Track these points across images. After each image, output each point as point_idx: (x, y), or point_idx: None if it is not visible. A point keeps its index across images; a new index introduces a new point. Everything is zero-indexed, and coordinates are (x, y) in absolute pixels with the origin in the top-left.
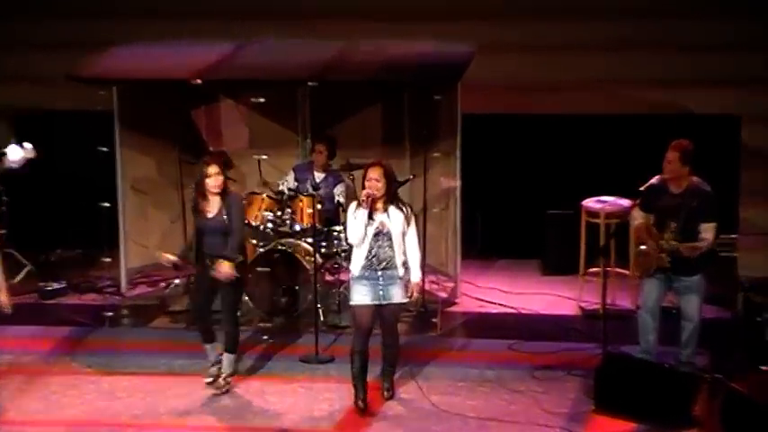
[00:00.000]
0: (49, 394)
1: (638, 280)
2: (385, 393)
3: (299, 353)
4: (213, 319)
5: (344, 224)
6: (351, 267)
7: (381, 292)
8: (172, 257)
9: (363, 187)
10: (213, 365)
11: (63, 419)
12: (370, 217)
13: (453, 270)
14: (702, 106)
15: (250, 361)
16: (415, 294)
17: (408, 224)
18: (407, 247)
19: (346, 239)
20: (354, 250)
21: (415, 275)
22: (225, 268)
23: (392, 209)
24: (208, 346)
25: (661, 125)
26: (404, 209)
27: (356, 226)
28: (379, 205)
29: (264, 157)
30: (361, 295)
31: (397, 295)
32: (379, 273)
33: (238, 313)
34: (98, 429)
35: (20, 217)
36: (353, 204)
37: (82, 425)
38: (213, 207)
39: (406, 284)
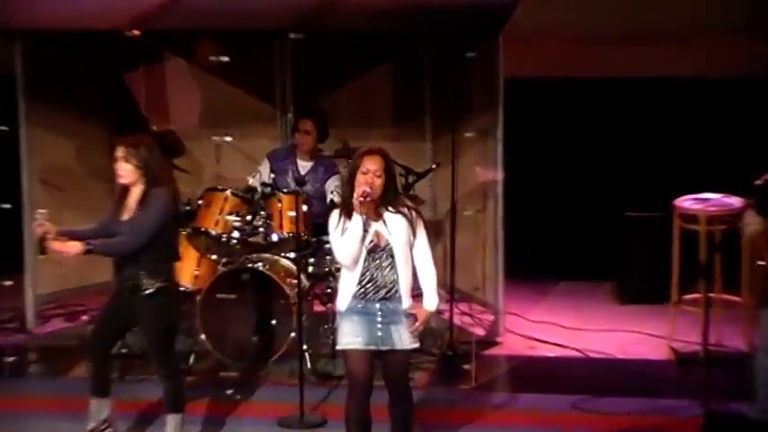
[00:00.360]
0: None
1: (755, 310)
2: None
3: (278, 414)
4: (111, 363)
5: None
6: (337, 300)
7: (380, 334)
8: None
9: (352, 183)
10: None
11: None
12: (364, 227)
13: (494, 297)
14: None
15: (208, 425)
16: (419, 327)
17: (415, 232)
18: (417, 265)
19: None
20: (343, 275)
21: (429, 302)
22: (68, 247)
23: (388, 214)
24: (93, 401)
25: None
26: (405, 211)
27: (349, 240)
28: (372, 210)
29: (228, 138)
30: (351, 337)
31: (403, 338)
32: (378, 305)
33: (171, 356)
34: None
35: None
36: (335, 212)
37: None
38: (129, 207)
39: (415, 318)
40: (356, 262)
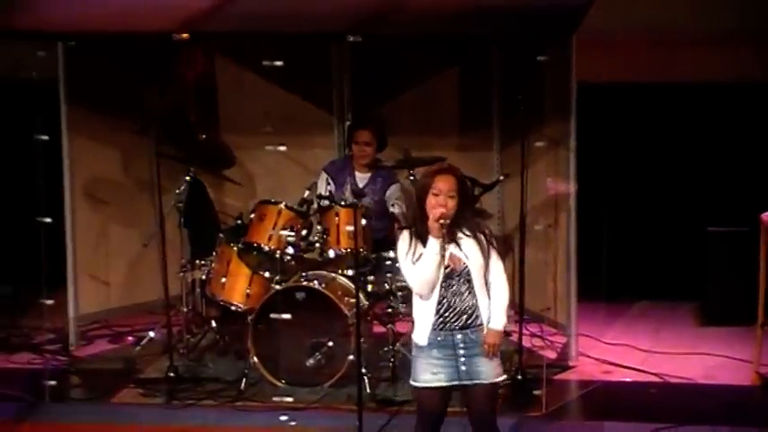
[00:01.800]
0: None
1: None
2: None
3: None
4: None
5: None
6: (414, 334)
7: (465, 368)
8: None
9: (422, 205)
10: None
11: None
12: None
13: (566, 318)
14: None
15: None
16: (493, 346)
17: (489, 254)
18: (493, 288)
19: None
20: (417, 305)
21: (498, 321)
22: None
23: (463, 237)
24: None
25: None
26: (479, 232)
27: (426, 266)
28: (445, 231)
29: (282, 148)
30: (431, 374)
31: (489, 370)
32: (458, 336)
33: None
34: None
35: None
36: (405, 234)
37: None
38: None
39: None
40: (432, 289)
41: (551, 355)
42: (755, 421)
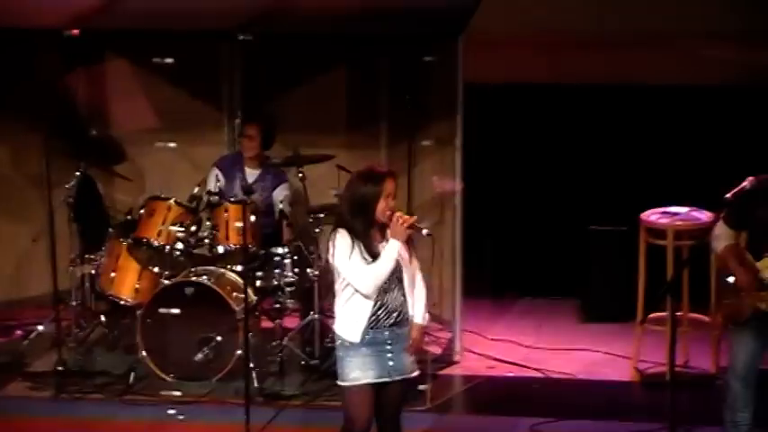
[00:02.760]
0: None
1: (723, 330)
2: None
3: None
4: None
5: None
6: (344, 330)
7: (392, 363)
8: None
9: (373, 207)
10: None
11: None
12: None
13: (451, 315)
14: None
15: None
16: (418, 341)
17: (411, 252)
18: (416, 286)
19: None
20: (351, 304)
21: (422, 317)
22: None
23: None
24: None
25: (761, 99)
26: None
27: (387, 266)
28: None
29: (172, 144)
30: (359, 371)
31: (410, 363)
32: (387, 333)
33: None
34: None
35: None
36: (344, 234)
37: None
38: None
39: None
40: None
41: (436, 350)
42: (634, 416)
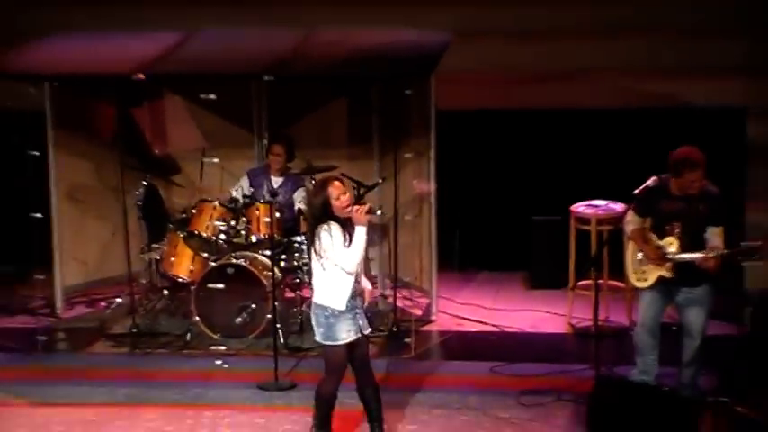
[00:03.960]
0: None
1: (634, 293)
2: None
3: (257, 379)
4: None
5: (309, 244)
6: (331, 301)
7: (361, 322)
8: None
9: (328, 207)
10: None
11: None
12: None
13: (429, 285)
14: (704, 98)
15: (201, 389)
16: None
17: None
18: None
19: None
20: (341, 279)
21: (368, 285)
22: None
23: (359, 227)
24: None
25: (658, 119)
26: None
27: (361, 248)
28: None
29: (215, 160)
30: (346, 333)
31: (366, 324)
32: (358, 301)
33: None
34: None
35: None
36: (335, 226)
37: None
38: None
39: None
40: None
41: (418, 312)
42: (567, 359)
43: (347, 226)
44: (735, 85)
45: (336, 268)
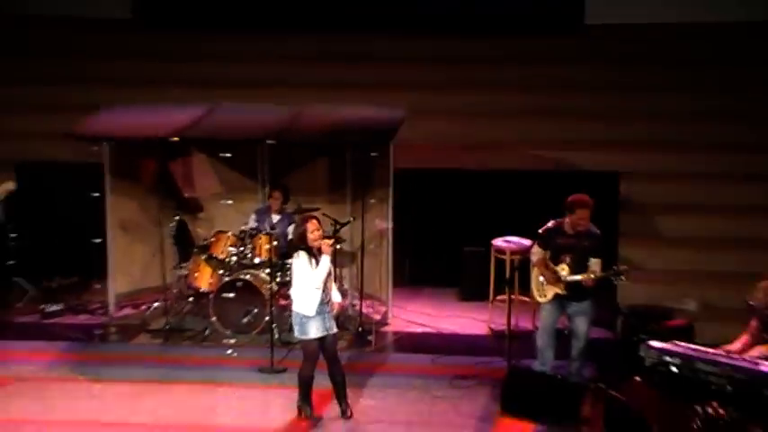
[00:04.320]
0: (47, 398)
1: (536, 305)
2: (347, 412)
3: (257, 364)
4: None
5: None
6: (303, 308)
7: (328, 324)
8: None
9: (305, 238)
10: None
11: (58, 420)
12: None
13: (386, 297)
14: (589, 164)
15: (216, 371)
16: (339, 312)
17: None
18: (335, 282)
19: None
20: (310, 292)
21: (339, 297)
22: None
23: (323, 256)
24: None
25: (556, 179)
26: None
27: (326, 270)
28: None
29: (230, 201)
30: (315, 330)
31: (334, 325)
32: (327, 306)
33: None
34: (87, 427)
35: (26, 250)
36: (303, 254)
37: (74, 424)
38: None
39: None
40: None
41: (377, 316)
42: (488, 354)
43: (316, 254)
44: (610, 156)
45: (306, 284)
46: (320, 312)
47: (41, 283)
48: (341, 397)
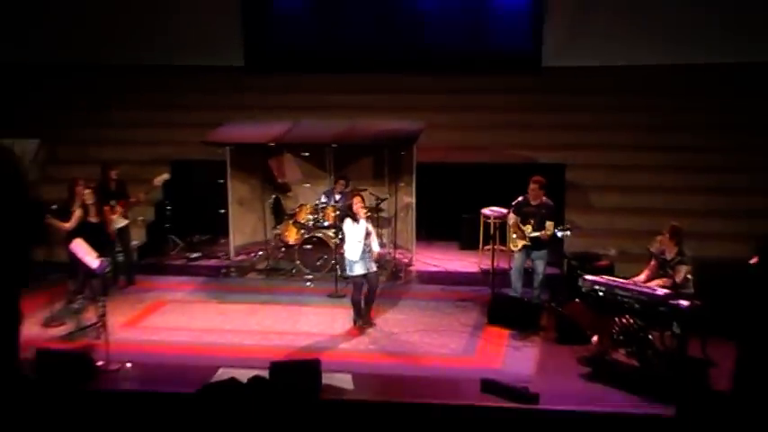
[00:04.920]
0: (190, 314)
1: (511, 253)
2: (369, 320)
3: (327, 292)
4: None
5: (343, 232)
6: (350, 255)
7: (368, 265)
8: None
9: (351, 208)
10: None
11: (197, 327)
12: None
13: (411, 247)
14: (546, 159)
15: (300, 296)
16: (378, 256)
17: (371, 226)
18: (372, 237)
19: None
20: (354, 244)
21: (377, 248)
22: None
23: (362, 220)
24: None
25: (524, 169)
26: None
27: (362, 229)
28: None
29: (308, 185)
30: (359, 269)
31: (374, 266)
32: (367, 254)
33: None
34: (216, 333)
35: (176, 217)
36: (348, 219)
37: (208, 330)
38: None
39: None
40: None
41: (405, 260)
42: (479, 284)
43: (357, 219)
44: (559, 154)
45: (349, 238)
46: (362, 258)
47: (187, 238)
48: (368, 310)
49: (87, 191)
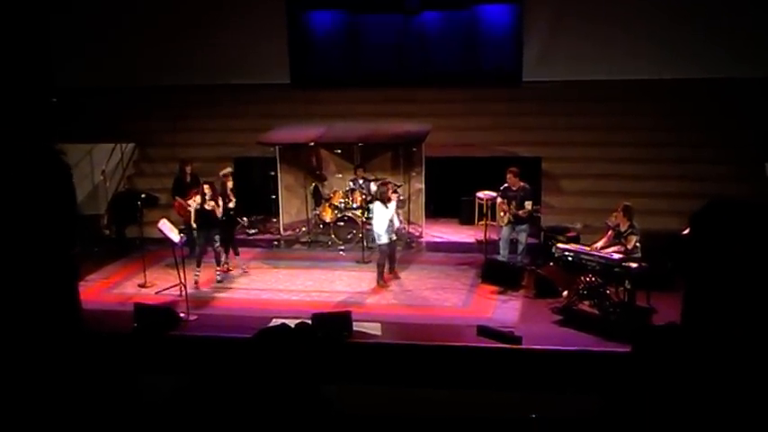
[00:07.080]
0: (249, 276)
1: (499, 227)
2: (395, 272)
3: (356, 258)
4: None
5: (371, 211)
6: (378, 229)
7: (390, 236)
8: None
9: (385, 194)
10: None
11: (255, 287)
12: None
13: (421, 223)
14: (526, 153)
15: (334, 262)
16: (397, 230)
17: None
18: (395, 217)
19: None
20: (382, 221)
21: (398, 223)
22: None
23: (390, 202)
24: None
25: (508, 161)
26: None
27: (391, 210)
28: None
29: (339, 175)
30: (385, 239)
31: (395, 236)
32: (391, 228)
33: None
34: (271, 291)
35: (239, 202)
36: (378, 202)
37: (264, 290)
38: None
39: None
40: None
41: (417, 233)
42: (475, 251)
43: (387, 202)
44: (536, 149)
45: (379, 217)
46: (387, 231)
47: (246, 217)
48: (392, 267)
49: (206, 186)
